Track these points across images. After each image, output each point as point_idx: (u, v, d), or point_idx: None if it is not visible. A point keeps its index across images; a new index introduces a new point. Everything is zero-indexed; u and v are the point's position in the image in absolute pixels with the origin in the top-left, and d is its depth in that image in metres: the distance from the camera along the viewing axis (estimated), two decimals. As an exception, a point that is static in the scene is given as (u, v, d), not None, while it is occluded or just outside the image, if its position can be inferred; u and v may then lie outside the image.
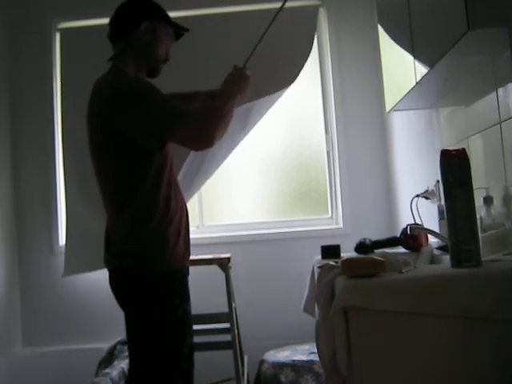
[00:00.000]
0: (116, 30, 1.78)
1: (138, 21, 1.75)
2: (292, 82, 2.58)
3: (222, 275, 2.54)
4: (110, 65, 1.77)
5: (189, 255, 1.78)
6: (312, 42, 2.71)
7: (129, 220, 1.66)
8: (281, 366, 2.56)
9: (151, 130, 1.60)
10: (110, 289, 1.74)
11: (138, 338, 1.67)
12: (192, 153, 2.38)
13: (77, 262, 2.87)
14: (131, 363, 1.73)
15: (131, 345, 1.71)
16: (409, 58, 1.76)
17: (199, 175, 2.64)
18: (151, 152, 1.65)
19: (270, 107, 2.72)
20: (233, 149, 2.71)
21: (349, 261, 1.27)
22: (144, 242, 1.65)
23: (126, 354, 2.45)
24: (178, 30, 1.84)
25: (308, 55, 2.68)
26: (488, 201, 1.54)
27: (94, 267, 2.73)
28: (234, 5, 3.13)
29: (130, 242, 1.66)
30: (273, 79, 2.47)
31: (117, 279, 1.71)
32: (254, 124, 2.69)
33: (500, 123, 1.56)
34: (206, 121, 1.61)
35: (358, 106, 3.18)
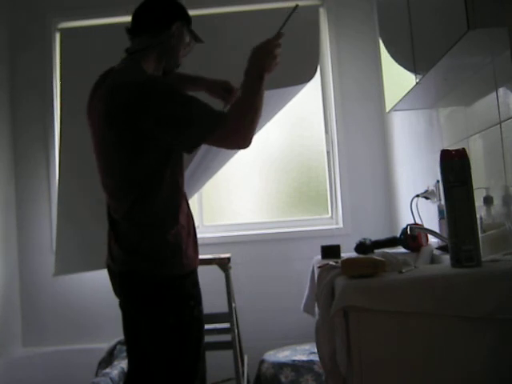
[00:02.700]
0: (143, 25, 1.72)
1: (170, 21, 1.71)
2: (305, 80, 2.57)
3: (222, 275, 2.54)
4: (121, 56, 1.71)
5: (198, 256, 1.74)
6: (318, 43, 2.71)
7: (144, 221, 1.62)
8: (281, 365, 2.56)
9: (189, 131, 1.56)
10: (119, 291, 1.69)
11: (154, 342, 1.61)
12: (200, 153, 2.35)
13: (68, 261, 2.86)
14: (135, 366, 1.69)
15: (139, 348, 1.66)
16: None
17: (201, 175, 2.64)
18: (172, 153, 1.61)
19: (282, 106, 2.70)
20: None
21: (349, 261, 1.27)
22: (159, 244, 1.61)
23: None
24: (195, 39, 1.80)
25: (317, 54, 2.67)
26: (488, 201, 1.54)
27: (86, 268, 2.73)
28: (243, 4, 3.15)
29: (145, 244, 1.61)
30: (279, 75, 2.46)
31: (128, 282, 1.65)
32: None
33: (500, 123, 1.56)
34: (243, 120, 1.58)
35: (358, 106, 3.18)
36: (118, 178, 1.65)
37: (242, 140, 1.60)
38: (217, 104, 1.82)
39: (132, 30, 1.74)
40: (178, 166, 1.67)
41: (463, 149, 1.28)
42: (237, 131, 1.58)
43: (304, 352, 2.66)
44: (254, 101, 1.60)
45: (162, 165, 1.61)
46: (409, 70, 1.76)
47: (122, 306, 1.72)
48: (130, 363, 1.74)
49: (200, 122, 1.56)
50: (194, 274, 1.69)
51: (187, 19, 1.77)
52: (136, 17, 1.74)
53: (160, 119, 1.55)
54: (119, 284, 1.68)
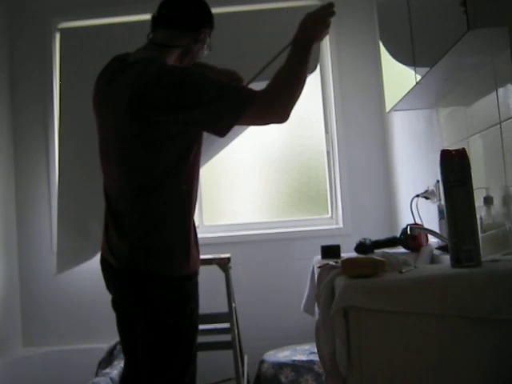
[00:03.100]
0: (175, 21, 1.68)
1: (201, 25, 1.71)
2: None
3: (222, 275, 2.54)
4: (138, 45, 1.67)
5: (199, 257, 1.72)
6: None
7: (154, 217, 1.59)
8: (281, 365, 2.56)
9: (222, 115, 1.53)
10: (118, 288, 1.67)
11: (150, 342, 1.60)
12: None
13: (69, 257, 2.87)
14: (131, 366, 1.69)
15: (134, 347, 1.65)
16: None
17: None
18: (192, 148, 1.60)
19: None
20: (231, 140, 2.69)
21: (349, 261, 1.27)
22: (165, 243, 1.60)
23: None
24: (210, 47, 1.79)
25: (317, 53, 2.67)
26: (488, 201, 1.53)
27: (84, 259, 2.75)
28: (242, 4, 3.15)
29: (153, 242, 1.59)
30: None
31: (130, 280, 1.62)
32: None
33: (500, 123, 1.56)
34: (283, 90, 1.55)
35: (358, 106, 3.18)
36: (132, 170, 1.61)
37: (278, 114, 1.57)
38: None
39: (161, 20, 1.70)
40: (198, 159, 1.64)
41: (463, 149, 1.29)
42: (273, 103, 1.55)
43: (304, 352, 2.66)
44: (298, 70, 1.58)
45: (184, 157, 1.59)
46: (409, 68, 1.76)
47: (119, 302, 1.71)
48: (125, 361, 1.74)
49: (230, 102, 1.53)
50: (196, 276, 1.69)
51: (212, 27, 1.76)
52: (169, 9, 1.70)
53: (190, 109, 1.53)
54: (119, 281, 1.66)
